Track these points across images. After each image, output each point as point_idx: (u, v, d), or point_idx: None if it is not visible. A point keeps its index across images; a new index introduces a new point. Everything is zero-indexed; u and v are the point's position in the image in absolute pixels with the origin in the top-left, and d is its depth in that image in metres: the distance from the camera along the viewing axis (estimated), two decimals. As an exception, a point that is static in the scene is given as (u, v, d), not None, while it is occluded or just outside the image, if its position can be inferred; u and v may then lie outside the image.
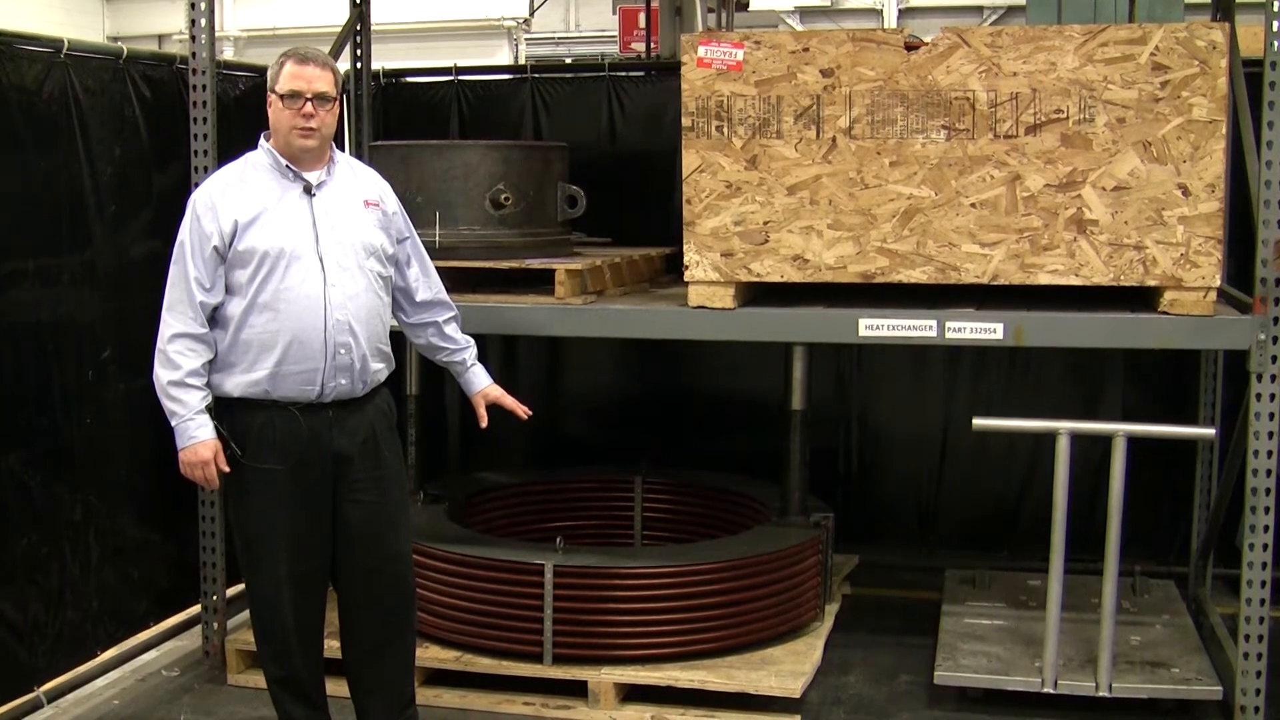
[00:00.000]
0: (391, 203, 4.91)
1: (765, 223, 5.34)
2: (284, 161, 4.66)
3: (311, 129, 4.61)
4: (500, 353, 7.64)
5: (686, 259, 5.42)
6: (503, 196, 5.91)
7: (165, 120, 5.99)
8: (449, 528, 6.06)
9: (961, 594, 6.42)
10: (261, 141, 4.73)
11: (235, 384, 4.61)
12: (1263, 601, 5.12)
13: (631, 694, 5.52)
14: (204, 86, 5.72)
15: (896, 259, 5.26)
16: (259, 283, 4.56)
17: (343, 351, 4.61)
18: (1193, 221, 5.04)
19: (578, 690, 5.49)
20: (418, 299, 5.03)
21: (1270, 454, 5.05)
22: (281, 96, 4.60)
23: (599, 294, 5.80)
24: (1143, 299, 5.32)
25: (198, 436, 4.56)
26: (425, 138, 6.52)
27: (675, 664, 5.53)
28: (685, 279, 5.45)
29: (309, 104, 4.59)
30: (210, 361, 4.61)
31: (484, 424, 5.15)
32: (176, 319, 4.57)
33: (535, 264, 5.72)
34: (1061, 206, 5.12)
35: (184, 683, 5.84)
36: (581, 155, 6.65)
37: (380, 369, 4.79)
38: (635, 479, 7.06)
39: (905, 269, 5.27)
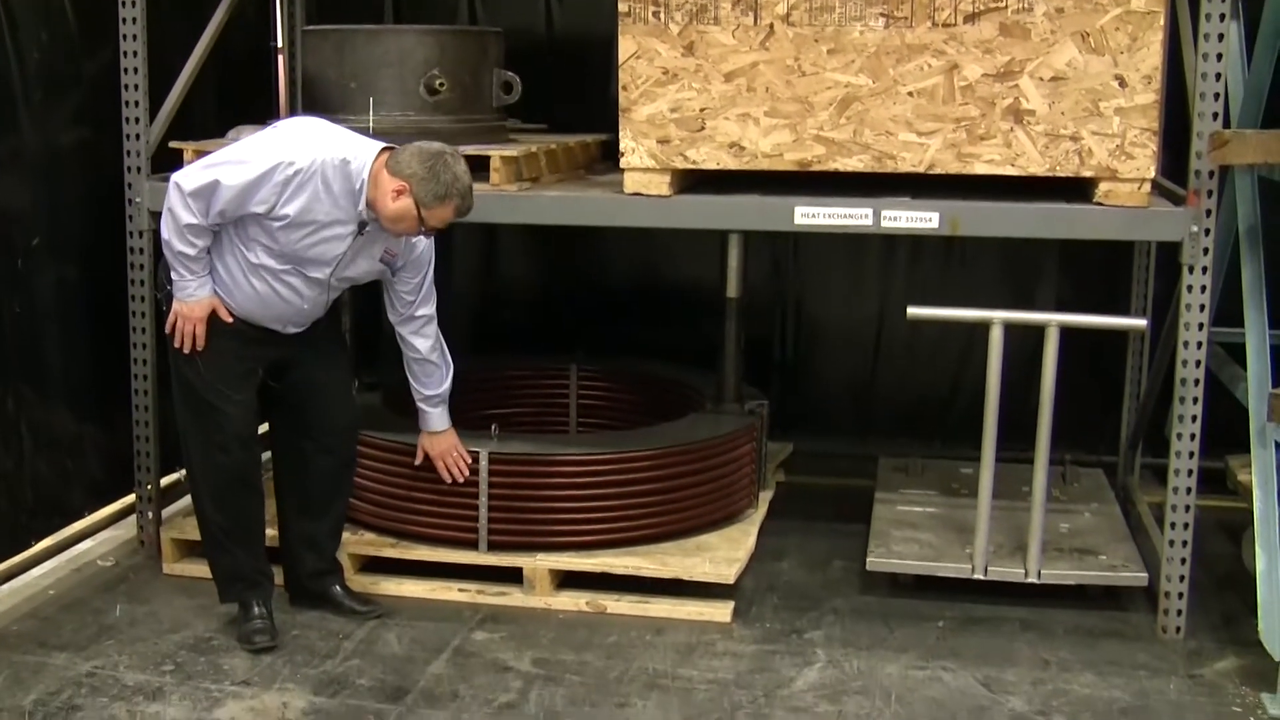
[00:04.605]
0: (410, 250, 5.20)
1: (702, 110, 5.30)
2: (364, 208, 4.83)
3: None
4: (435, 241, 7.57)
5: (622, 146, 5.38)
6: (437, 82, 5.84)
7: (93, 5, 5.83)
8: (385, 416, 6.04)
9: (894, 482, 6.49)
10: (364, 177, 4.79)
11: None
12: (1189, 490, 5.20)
13: (566, 580, 5.56)
14: (132, -31, 5.60)
15: (833, 147, 5.24)
16: (267, 261, 4.84)
17: (305, 323, 5.10)
18: (1129, 113, 5.05)
19: (513, 577, 5.52)
20: (401, 330, 5.40)
21: (1200, 345, 5.11)
22: (422, 220, 4.81)
23: (534, 181, 5.76)
24: (1078, 190, 5.33)
25: (199, 295, 4.87)
26: (359, 23, 6.40)
27: (610, 551, 5.57)
28: (621, 166, 5.42)
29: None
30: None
31: (418, 461, 5.54)
32: (197, 212, 4.75)
33: (470, 150, 5.65)
34: (999, 96, 5.11)
35: (119, 572, 5.82)
36: (517, 41, 6.55)
37: None
38: (570, 367, 7.05)
39: (842, 157, 5.25)
